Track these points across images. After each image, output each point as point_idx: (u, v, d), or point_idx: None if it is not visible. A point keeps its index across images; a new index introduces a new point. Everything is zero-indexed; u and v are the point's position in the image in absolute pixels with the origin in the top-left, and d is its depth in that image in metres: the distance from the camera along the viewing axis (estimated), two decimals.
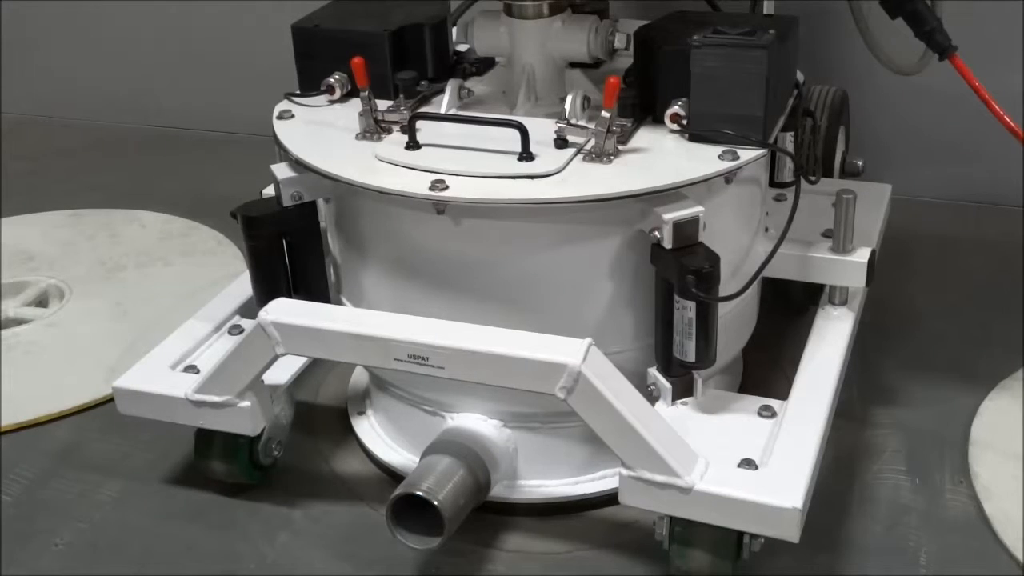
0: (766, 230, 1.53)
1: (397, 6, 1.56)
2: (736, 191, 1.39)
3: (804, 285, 1.63)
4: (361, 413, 1.67)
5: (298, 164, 1.42)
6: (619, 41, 1.54)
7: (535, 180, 1.29)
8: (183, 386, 1.45)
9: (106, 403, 1.72)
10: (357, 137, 1.43)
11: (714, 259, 1.27)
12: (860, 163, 1.90)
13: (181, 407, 1.45)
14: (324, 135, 1.45)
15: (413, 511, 1.32)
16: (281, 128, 1.48)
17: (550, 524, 1.49)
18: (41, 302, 2.10)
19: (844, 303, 1.58)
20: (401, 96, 1.45)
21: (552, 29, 1.52)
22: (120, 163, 2.69)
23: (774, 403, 1.38)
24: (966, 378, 1.72)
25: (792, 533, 1.22)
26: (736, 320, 1.47)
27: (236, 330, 1.58)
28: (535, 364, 1.22)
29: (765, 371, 1.72)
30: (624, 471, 1.26)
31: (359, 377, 1.73)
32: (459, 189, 1.28)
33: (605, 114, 1.31)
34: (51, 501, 1.56)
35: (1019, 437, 1.58)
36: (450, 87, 1.50)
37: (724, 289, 1.31)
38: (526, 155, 1.32)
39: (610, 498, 1.41)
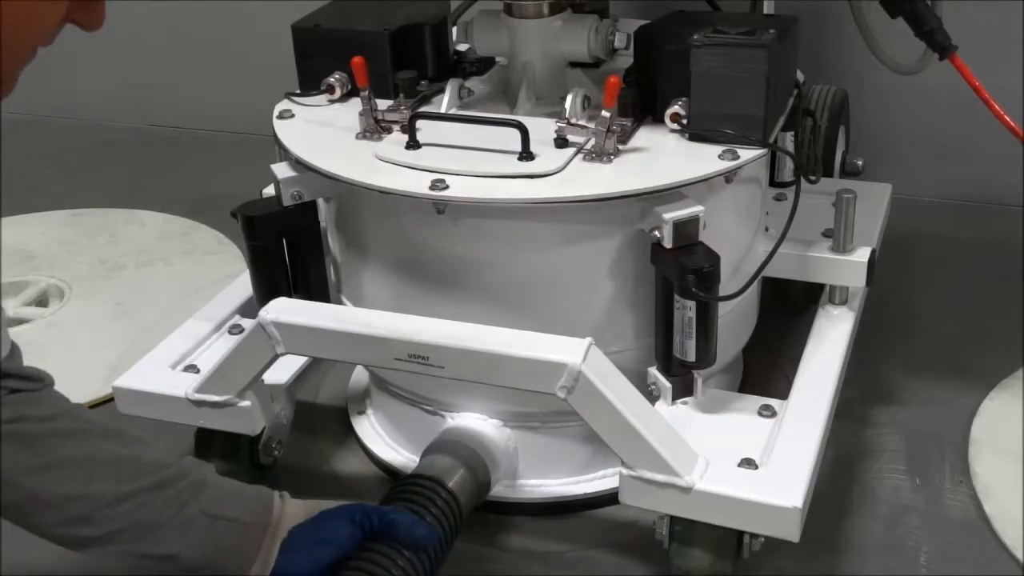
0: (766, 230, 1.53)
1: (397, 6, 1.56)
2: (736, 191, 1.39)
3: (804, 285, 1.63)
4: (361, 413, 1.67)
5: (298, 164, 1.42)
6: (619, 41, 1.54)
7: (535, 180, 1.29)
8: (183, 386, 1.44)
9: (106, 403, 1.71)
10: (357, 137, 1.43)
11: (714, 259, 1.27)
12: (860, 163, 1.90)
13: (181, 407, 1.45)
14: (324, 135, 1.45)
15: None
16: (281, 128, 1.48)
17: (550, 524, 1.49)
18: (41, 302, 2.10)
19: (844, 303, 1.58)
20: (401, 96, 1.45)
21: (552, 28, 1.52)
22: (120, 163, 2.69)
23: (774, 403, 1.38)
24: (966, 378, 1.72)
25: (792, 533, 1.22)
26: (736, 320, 1.47)
27: (236, 330, 1.58)
28: (535, 364, 1.22)
29: (765, 371, 1.72)
30: (624, 471, 1.26)
31: (359, 377, 1.73)
32: (459, 189, 1.28)
33: (605, 114, 1.31)
34: None
35: (1019, 437, 1.58)
36: (450, 87, 1.50)
37: (724, 289, 1.31)
38: (526, 155, 1.32)
39: (610, 498, 1.41)
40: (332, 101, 1.52)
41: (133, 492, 1.09)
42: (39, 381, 1.11)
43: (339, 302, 1.53)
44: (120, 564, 1.12)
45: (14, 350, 1.10)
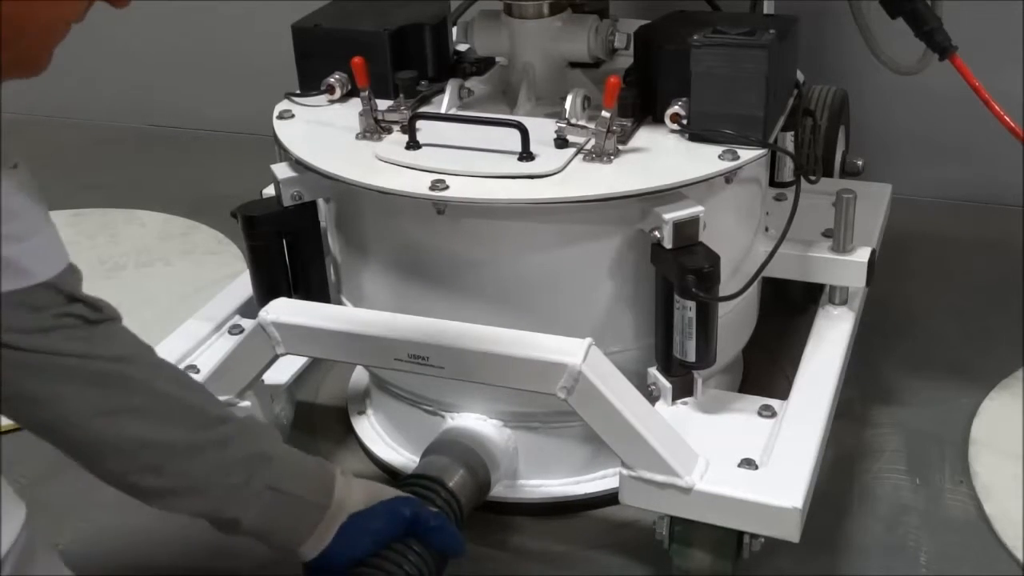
0: (766, 230, 1.53)
1: (397, 6, 1.56)
2: (736, 191, 1.39)
3: (804, 285, 1.63)
4: (361, 413, 1.67)
5: (298, 164, 1.42)
6: (619, 41, 1.54)
7: (535, 180, 1.29)
8: None
9: None
10: (357, 137, 1.43)
11: (714, 259, 1.27)
12: (860, 163, 1.90)
13: None
14: (324, 135, 1.45)
15: None
16: (281, 128, 1.48)
17: (550, 524, 1.49)
18: None
19: (844, 303, 1.58)
20: (401, 96, 1.45)
21: (552, 29, 1.52)
22: (120, 163, 2.69)
23: (774, 403, 1.38)
24: (966, 378, 1.72)
25: (792, 533, 1.22)
26: (736, 320, 1.47)
27: (236, 330, 1.58)
28: (535, 364, 1.22)
29: (765, 371, 1.72)
30: (624, 471, 1.26)
31: (359, 377, 1.73)
32: (459, 189, 1.28)
33: (605, 114, 1.31)
34: (51, 501, 1.56)
35: (1019, 437, 1.58)
36: (450, 87, 1.50)
37: (724, 289, 1.31)
38: (526, 155, 1.32)
39: (610, 498, 1.41)
40: (332, 101, 1.52)
41: (206, 443, 1.08)
42: (106, 311, 1.07)
43: (339, 302, 1.53)
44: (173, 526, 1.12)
45: (74, 269, 1.04)
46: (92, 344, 1.03)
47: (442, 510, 1.29)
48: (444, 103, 1.49)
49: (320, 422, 1.70)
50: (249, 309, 1.57)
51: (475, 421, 1.45)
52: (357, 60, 1.40)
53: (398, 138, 1.39)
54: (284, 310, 1.34)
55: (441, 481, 1.33)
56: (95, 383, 1.03)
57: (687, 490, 1.23)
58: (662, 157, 1.33)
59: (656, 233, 1.28)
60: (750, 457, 1.28)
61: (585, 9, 1.57)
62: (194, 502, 1.10)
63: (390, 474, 1.57)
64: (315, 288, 1.51)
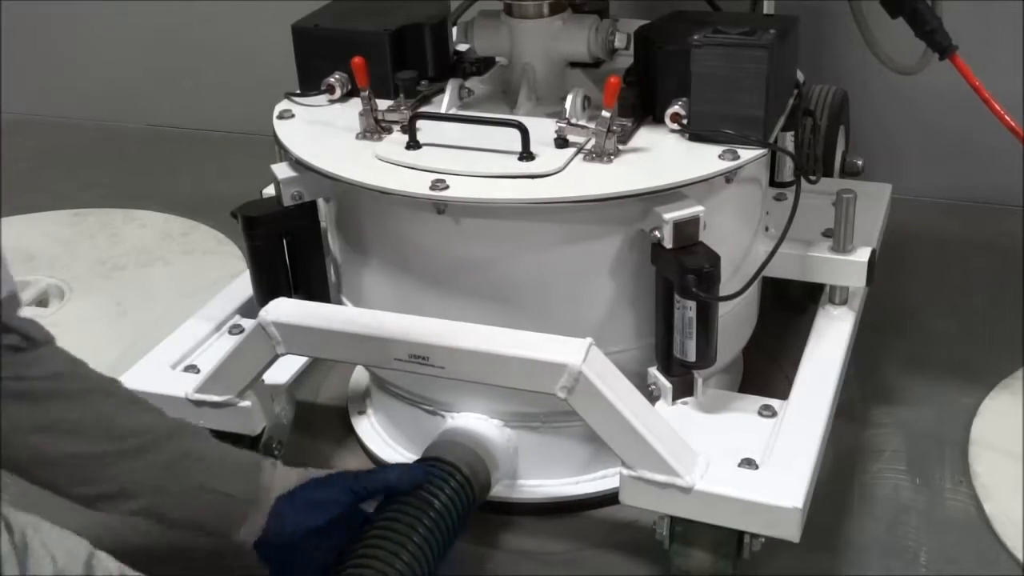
0: (766, 230, 1.53)
1: (397, 6, 1.56)
2: (736, 191, 1.39)
3: (804, 285, 1.63)
4: (361, 413, 1.67)
5: (298, 164, 1.42)
6: (619, 41, 1.54)
7: (535, 180, 1.29)
8: (183, 386, 1.44)
9: None
10: (357, 137, 1.43)
11: (714, 259, 1.27)
12: (860, 163, 1.90)
13: (181, 407, 1.44)
14: (324, 135, 1.45)
15: None
16: (281, 128, 1.48)
17: (550, 524, 1.49)
18: (41, 302, 2.10)
19: (844, 303, 1.58)
20: (401, 96, 1.45)
21: (552, 29, 1.52)
22: (120, 163, 2.69)
23: (774, 403, 1.38)
24: (966, 378, 1.72)
25: (792, 533, 1.22)
26: (736, 320, 1.47)
27: (236, 330, 1.58)
28: (536, 364, 1.22)
29: (765, 371, 1.72)
30: (625, 471, 1.26)
31: (359, 377, 1.73)
32: (459, 189, 1.28)
33: (605, 114, 1.31)
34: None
35: (1019, 437, 1.58)
36: (450, 87, 1.50)
37: (725, 289, 1.31)
38: (526, 155, 1.32)
39: (610, 498, 1.41)
40: (332, 101, 1.52)
41: (133, 450, 1.14)
42: (36, 340, 1.13)
43: (339, 302, 1.53)
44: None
45: (14, 298, 1.10)
46: (26, 367, 1.09)
47: (456, 492, 1.31)
48: (444, 103, 1.49)
49: (320, 422, 1.70)
50: (249, 309, 1.57)
51: (475, 421, 1.45)
52: (357, 60, 1.40)
53: (398, 138, 1.39)
54: (284, 310, 1.34)
55: (456, 466, 1.34)
56: (28, 402, 1.09)
57: (687, 490, 1.23)
58: (662, 157, 1.33)
59: (656, 233, 1.28)
60: (750, 457, 1.28)
61: (585, 9, 1.57)
62: (127, 504, 1.16)
63: None
64: (315, 288, 1.51)
